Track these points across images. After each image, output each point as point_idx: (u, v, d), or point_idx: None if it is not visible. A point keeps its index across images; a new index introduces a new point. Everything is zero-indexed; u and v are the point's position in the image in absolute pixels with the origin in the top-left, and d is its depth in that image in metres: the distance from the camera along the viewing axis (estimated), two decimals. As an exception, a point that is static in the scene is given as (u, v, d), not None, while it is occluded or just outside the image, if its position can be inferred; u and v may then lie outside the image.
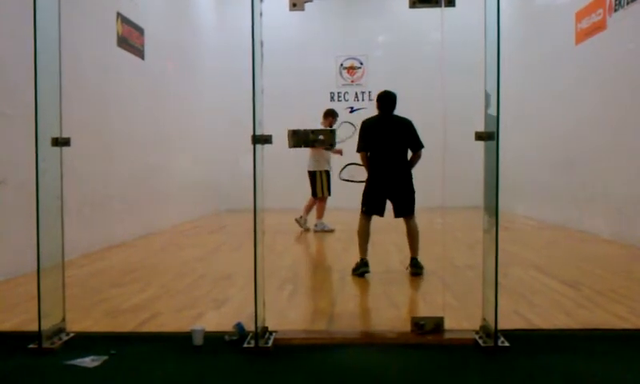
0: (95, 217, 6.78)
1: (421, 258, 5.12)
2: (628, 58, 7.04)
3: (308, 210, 8.71)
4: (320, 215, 8.60)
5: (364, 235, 5.24)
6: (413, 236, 5.19)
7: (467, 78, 9.51)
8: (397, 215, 5.26)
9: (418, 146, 5.19)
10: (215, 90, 12.20)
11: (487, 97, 3.17)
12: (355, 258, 5.22)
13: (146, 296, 4.45)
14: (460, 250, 6.37)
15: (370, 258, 5.13)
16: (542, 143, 9.85)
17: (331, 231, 8.45)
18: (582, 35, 8.31)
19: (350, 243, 6.45)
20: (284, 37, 11.72)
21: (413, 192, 5.20)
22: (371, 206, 5.24)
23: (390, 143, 5.16)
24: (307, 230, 8.64)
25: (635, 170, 6.84)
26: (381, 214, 5.25)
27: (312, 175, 8.58)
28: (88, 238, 6.52)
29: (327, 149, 7.89)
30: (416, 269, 5.13)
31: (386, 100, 5.24)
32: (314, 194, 8.57)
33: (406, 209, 5.21)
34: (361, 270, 5.10)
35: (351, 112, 12.56)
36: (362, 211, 5.30)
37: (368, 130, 5.26)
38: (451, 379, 2.78)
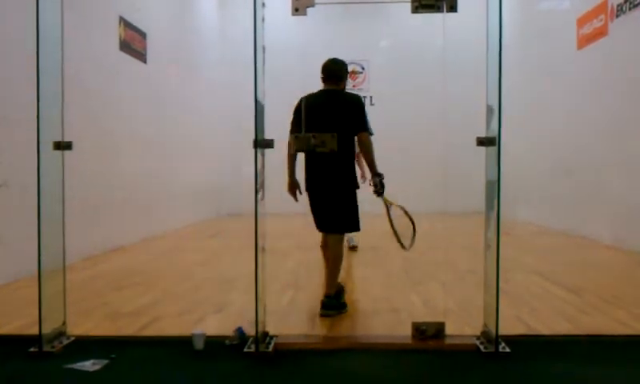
0: (96, 220, 6.78)
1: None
2: (630, 64, 7.05)
3: None
4: None
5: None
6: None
7: (469, 83, 9.52)
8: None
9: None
10: (217, 93, 12.22)
11: (489, 103, 3.17)
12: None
13: (146, 300, 4.45)
14: (461, 255, 6.35)
15: (371, 262, 5.10)
16: (543, 148, 9.84)
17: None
18: (584, 41, 8.32)
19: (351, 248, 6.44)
20: (286, 41, 11.73)
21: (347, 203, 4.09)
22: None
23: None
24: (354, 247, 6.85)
25: (637, 175, 6.83)
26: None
27: None
28: (89, 242, 6.52)
29: None
30: (326, 311, 3.88)
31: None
32: None
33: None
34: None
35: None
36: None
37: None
38: (452, 385, 2.78)
